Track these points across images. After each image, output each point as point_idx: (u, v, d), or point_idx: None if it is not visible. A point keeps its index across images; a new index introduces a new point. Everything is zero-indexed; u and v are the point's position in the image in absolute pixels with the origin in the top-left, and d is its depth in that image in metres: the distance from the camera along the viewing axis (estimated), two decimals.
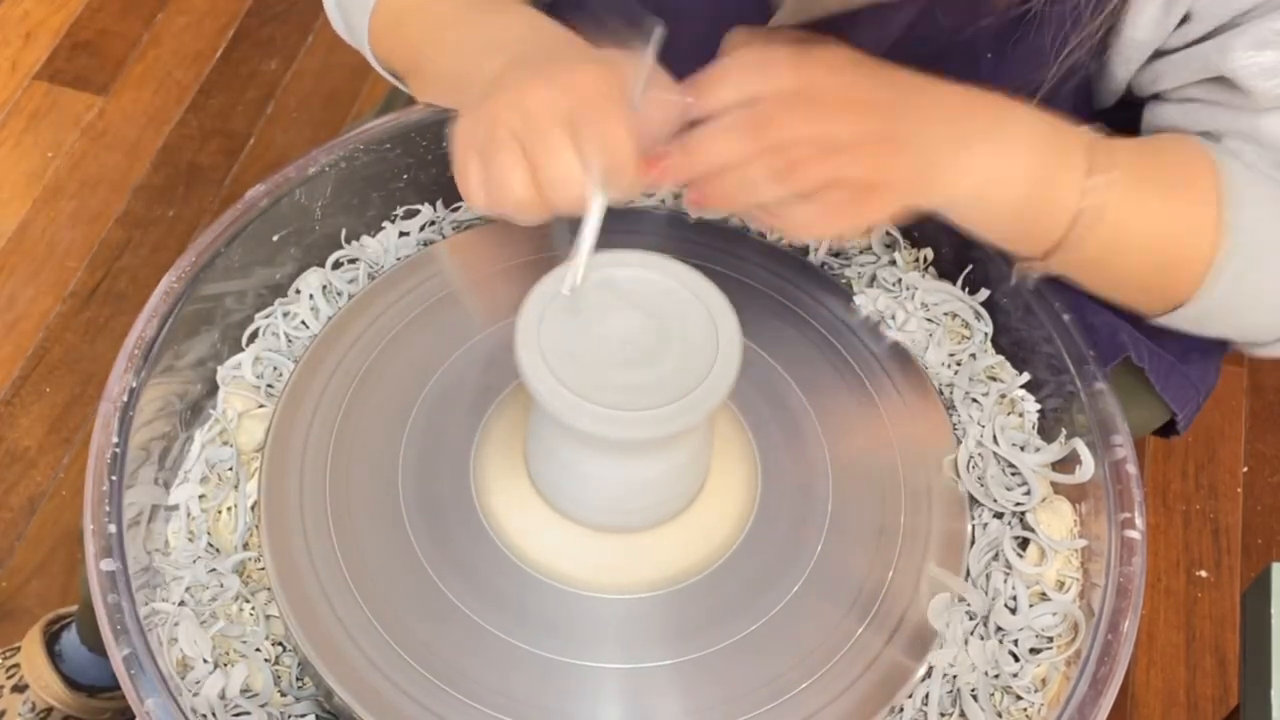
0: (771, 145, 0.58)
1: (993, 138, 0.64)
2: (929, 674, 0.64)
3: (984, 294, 0.77)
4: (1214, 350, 0.80)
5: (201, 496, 0.70)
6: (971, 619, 0.67)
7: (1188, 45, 0.68)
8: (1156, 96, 0.73)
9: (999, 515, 0.70)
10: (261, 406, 0.72)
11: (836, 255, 0.80)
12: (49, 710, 1.11)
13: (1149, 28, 0.68)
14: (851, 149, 0.59)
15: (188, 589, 0.66)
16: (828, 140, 0.59)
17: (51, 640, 1.12)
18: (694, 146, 0.60)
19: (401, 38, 0.76)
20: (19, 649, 1.13)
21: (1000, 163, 0.64)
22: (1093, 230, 0.65)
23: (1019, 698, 0.64)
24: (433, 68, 0.74)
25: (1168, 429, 0.83)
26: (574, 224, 0.61)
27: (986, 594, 0.67)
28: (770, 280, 0.78)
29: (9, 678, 1.12)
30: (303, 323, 0.76)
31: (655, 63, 0.61)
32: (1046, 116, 0.66)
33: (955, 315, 0.77)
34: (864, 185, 0.59)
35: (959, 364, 0.76)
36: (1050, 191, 0.65)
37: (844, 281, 0.79)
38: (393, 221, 0.81)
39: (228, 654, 0.65)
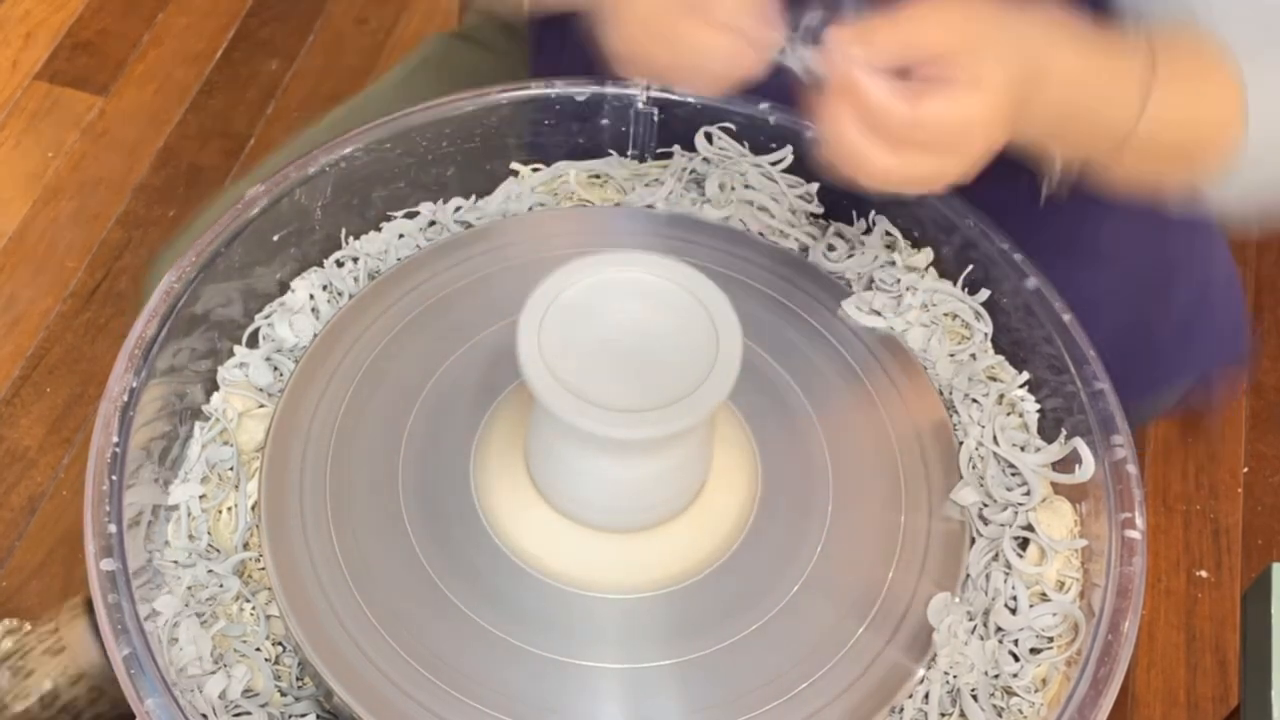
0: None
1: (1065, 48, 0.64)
2: (928, 674, 0.64)
3: (984, 294, 0.77)
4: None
5: (202, 496, 0.70)
6: (971, 619, 0.67)
7: None
8: None
9: (999, 515, 0.70)
10: (261, 406, 0.72)
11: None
12: (80, 677, 1.12)
13: None
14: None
15: (188, 589, 0.66)
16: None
17: (92, 610, 1.13)
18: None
19: None
20: (57, 615, 1.14)
21: (1077, 65, 0.64)
22: (1156, 118, 0.66)
23: (1019, 698, 0.64)
24: None
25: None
26: None
27: (986, 594, 0.67)
28: (770, 280, 0.78)
29: (40, 640, 1.13)
30: (303, 323, 0.76)
31: None
32: (1093, 31, 0.67)
33: (955, 315, 0.77)
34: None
35: (959, 364, 0.76)
36: (1118, 88, 0.66)
37: (844, 281, 0.79)
38: (392, 221, 0.81)
39: (228, 654, 0.65)
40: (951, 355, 0.76)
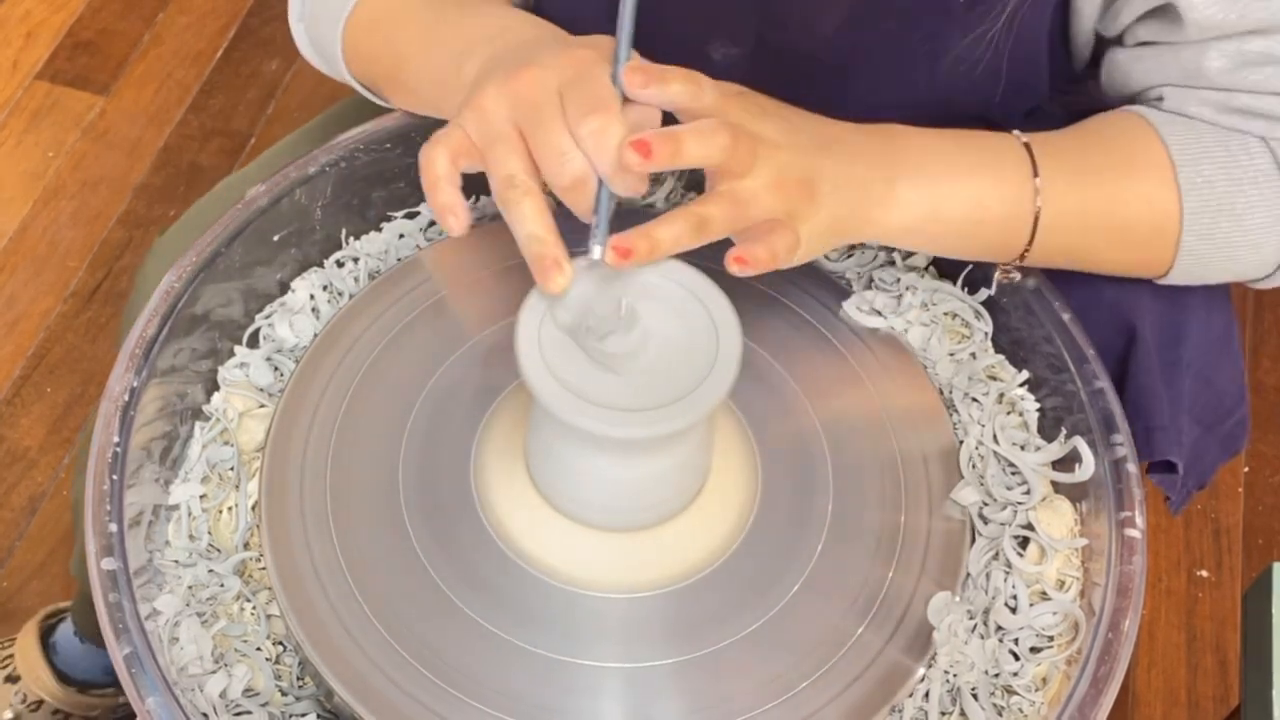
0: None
1: (923, 172, 0.67)
2: (929, 673, 0.64)
3: (984, 294, 0.77)
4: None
5: (202, 496, 0.70)
6: (971, 618, 0.67)
7: None
8: (1112, 43, 0.75)
9: (999, 514, 0.70)
10: (262, 406, 0.72)
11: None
12: (40, 703, 1.11)
13: None
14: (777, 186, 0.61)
15: (189, 588, 0.66)
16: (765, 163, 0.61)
17: (46, 633, 1.12)
18: (680, 135, 0.59)
19: (376, 46, 0.75)
20: (14, 641, 1.13)
21: (933, 194, 0.67)
22: (1056, 223, 0.69)
23: (1019, 696, 0.64)
24: (412, 75, 0.72)
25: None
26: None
27: (986, 593, 0.67)
28: (770, 280, 0.77)
29: (2, 668, 1.12)
30: (303, 323, 0.76)
31: (629, 43, 0.61)
32: (978, 135, 0.69)
33: (955, 315, 0.77)
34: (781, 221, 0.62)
35: (959, 364, 0.76)
36: (1000, 204, 0.68)
37: (844, 281, 0.79)
38: (392, 221, 0.81)
39: (229, 653, 0.65)
40: (951, 355, 0.76)
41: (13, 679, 1.11)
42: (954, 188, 0.68)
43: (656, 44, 0.64)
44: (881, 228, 0.68)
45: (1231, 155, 0.69)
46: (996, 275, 0.74)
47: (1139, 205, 0.70)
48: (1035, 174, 0.68)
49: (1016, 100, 0.77)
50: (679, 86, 0.60)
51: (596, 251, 0.59)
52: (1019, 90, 0.76)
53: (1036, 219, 0.69)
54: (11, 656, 1.12)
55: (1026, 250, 0.70)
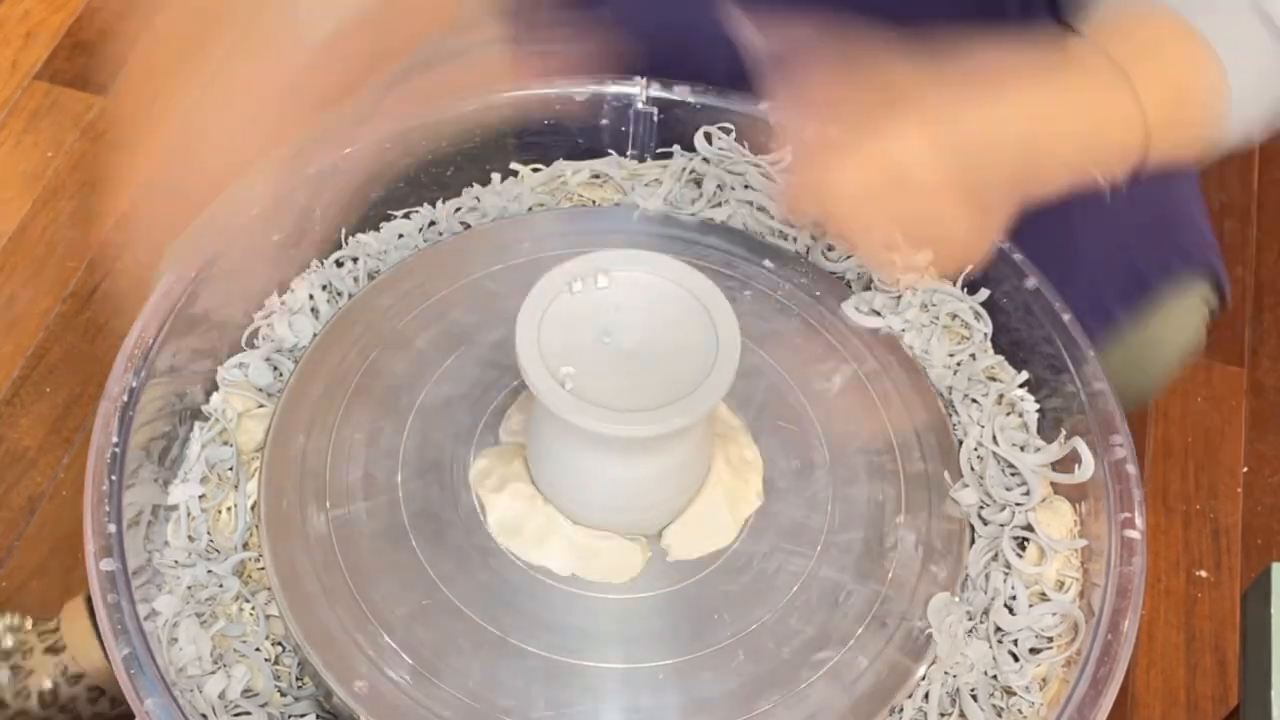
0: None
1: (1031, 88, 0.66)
2: (928, 674, 0.64)
3: (984, 294, 0.77)
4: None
5: (201, 496, 0.70)
6: (971, 619, 0.67)
7: None
8: None
9: (999, 514, 0.70)
10: (261, 406, 0.72)
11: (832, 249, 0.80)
12: (80, 676, 1.12)
13: None
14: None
15: (188, 589, 0.66)
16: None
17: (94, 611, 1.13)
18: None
19: None
20: (58, 614, 1.14)
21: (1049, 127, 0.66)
22: (1165, 126, 0.67)
23: (1019, 697, 0.64)
24: None
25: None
26: None
27: (986, 594, 0.67)
28: (770, 280, 0.78)
29: (40, 640, 1.13)
30: (303, 323, 0.76)
31: None
32: (1053, 56, 0.68)
33: (955, 315, 0.77)
34: None
35: (958, 364, 0.76)
36: (1110, 125, 0.67)
37: (844, 281, 0.79)
38: (392, 221, 0.81)
39: (228, 654, 0.65)
40: (951, 355, 0.76)
41: (54, 650, 1.12)
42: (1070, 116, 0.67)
43: None
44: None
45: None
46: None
47: (1199, 72, 0.68)
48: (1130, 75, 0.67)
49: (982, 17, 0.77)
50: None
51: None
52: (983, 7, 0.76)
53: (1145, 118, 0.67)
54: (52, 630, 1.13)
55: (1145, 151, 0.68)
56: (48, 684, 1.12)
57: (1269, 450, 1.48)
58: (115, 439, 0.66)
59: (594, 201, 0.83)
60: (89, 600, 1.14)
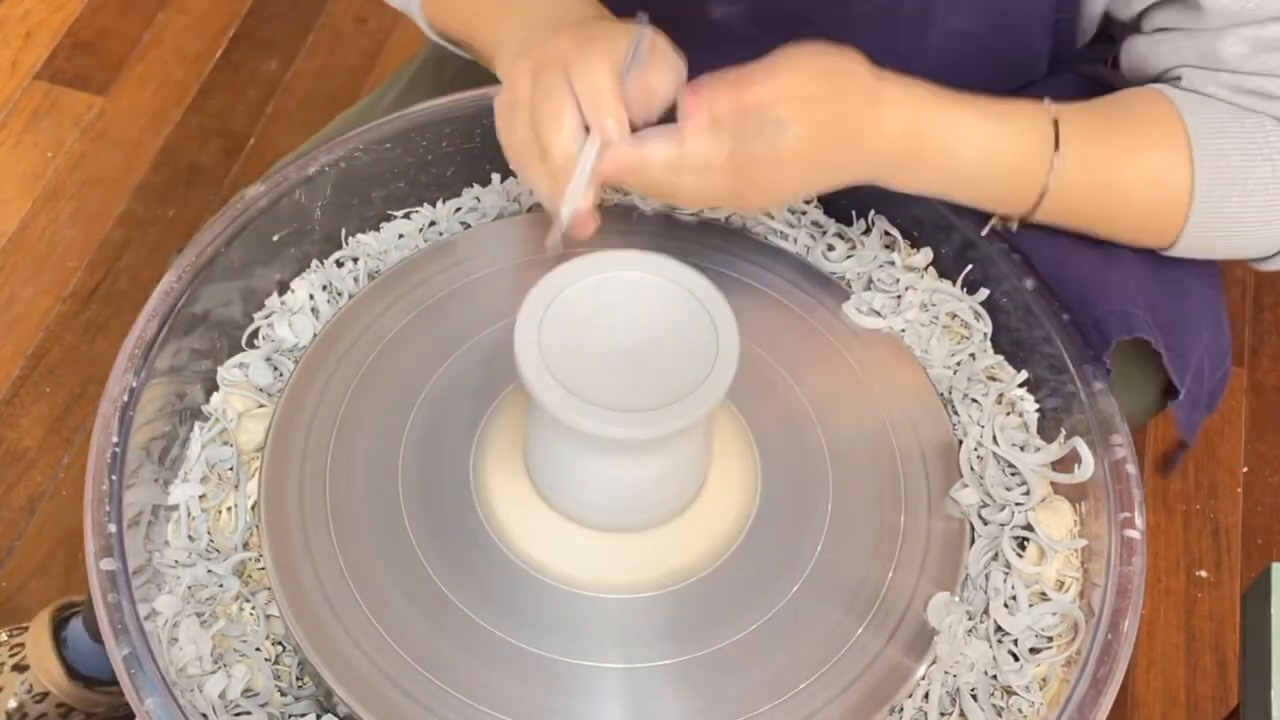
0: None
1: (944, 149, 0.68)
2: (928, 674, 0.64)
3: (984, 294, 0.77)
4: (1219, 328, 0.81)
5: (202, 496, 0.70)
6: (971, 619, 0.67)
7: None
8: (1129, 30, 0.76)
9: (999, 514, 0.70)
10: (261, 406, 0.72)
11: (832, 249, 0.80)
12: (45, 694, 1.11)
13: None
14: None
15: (188, 589, 0.66)
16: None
17: (59, 626, 1.12)
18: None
19: (451, 10, 0.79)
20: (26, 629, 1.13)
21: (955, 166, 0.69)
22: (1068, 185, 0.70)
23: (1019, 697, 0.64)
24: (482, 46, 0.76)
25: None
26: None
27: (986, 593, 0.67)
28: (770, 280, 0.78)
29: (11, 655, 1.12)
30: (303, 323, 0.76)
31: (649, 39, 0.65)
32: (1005, 102, 0.70)
33: (955, 315, 0.77)
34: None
35: (958, 364, 0.76)
36: (1019, 173, 0.70)
37: (843, 282, 0.79)
38: (392, 221, 0.81)
39: (228, 654, 0.65)
40: (951, 355, 0.76)
41: (20, 668, 1.11)
42: (971, 133, 0.68)
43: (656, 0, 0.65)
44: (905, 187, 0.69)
45: (1246, 132, 0.70)
46: (993, 221, 0.75)
47: (1152, 175, 0.70)
48: (1056, 132, 0.69)
49: (1009, 77, 0.78)
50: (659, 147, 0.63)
51: (565, 211, 0.63)
52: (1012, 68, 0.78)
53: (1049, 176, 0.69)
54: (20, 646, 1.12)
55: (1036, 205, 0.71)
56: (13, 703, 1.10)
57: (1269, 450, 1.48)
58: (115, 439, 0.66)
59: None
60: (54, 614, 1.13)
